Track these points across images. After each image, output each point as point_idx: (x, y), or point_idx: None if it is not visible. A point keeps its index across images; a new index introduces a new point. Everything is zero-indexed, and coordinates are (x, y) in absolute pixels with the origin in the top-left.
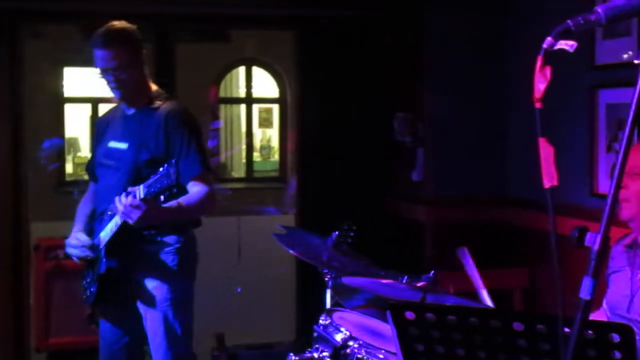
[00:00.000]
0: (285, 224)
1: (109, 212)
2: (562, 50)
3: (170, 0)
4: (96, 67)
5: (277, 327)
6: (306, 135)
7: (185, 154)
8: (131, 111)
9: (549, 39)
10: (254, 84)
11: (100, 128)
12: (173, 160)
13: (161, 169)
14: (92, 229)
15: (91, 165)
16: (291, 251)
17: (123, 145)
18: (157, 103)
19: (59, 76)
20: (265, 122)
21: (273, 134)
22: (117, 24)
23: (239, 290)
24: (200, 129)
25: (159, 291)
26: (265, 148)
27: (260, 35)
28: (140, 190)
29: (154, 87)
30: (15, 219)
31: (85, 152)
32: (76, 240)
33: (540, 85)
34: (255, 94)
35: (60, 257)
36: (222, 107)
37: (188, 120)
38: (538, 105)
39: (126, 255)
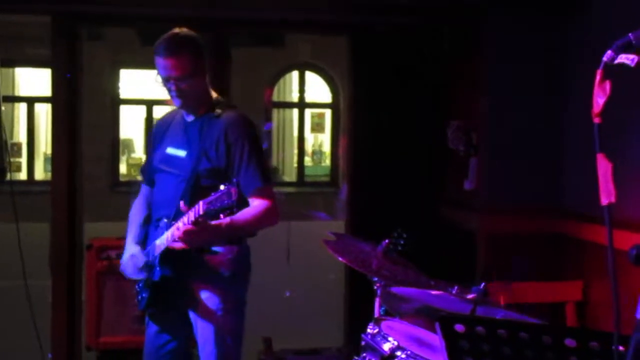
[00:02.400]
0: (335, 230)
1: (166, 220)
2: (622, 64)
3: (227, 5)
4: (158, 74)
5: (325, 332)
6: (358, 140)
7: (246, 167)
8: (191, 118)
9: (609, 52)
10: (306, 88)
11: (158, 132)
12: (235, 180)
13: (222, 187)
14: (146, 235)
15: (147, 169)
16: (340, 258)
17: (182, 153)
18: (218, 111)
19: (116, 78)
20: (318, 127)
21: (325, 139)
22: (181, 30)
23: (287, 294)
24: (261, 139)
25: (211, 301)
26: (317, 153)
27: (314, 41)
28: (199, 207)
29: (214, 94)
30: (70, 218)
31: (139, 153)
32: (131, 261)
33: (599, 100)
34: (308, 98)
35: (113, 258)
36: (275, 111)
37: (249, 131)
38: (597, 120)
39: (180, 264)
